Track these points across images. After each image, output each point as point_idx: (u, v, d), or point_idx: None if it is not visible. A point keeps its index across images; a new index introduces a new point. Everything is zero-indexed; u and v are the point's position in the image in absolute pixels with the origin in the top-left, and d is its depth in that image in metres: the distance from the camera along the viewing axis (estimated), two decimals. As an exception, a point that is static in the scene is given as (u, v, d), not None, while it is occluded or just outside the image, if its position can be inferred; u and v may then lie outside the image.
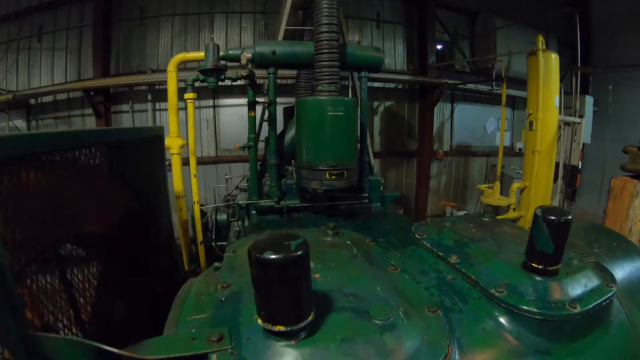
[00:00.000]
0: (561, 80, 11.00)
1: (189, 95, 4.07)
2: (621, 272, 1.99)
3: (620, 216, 4.71)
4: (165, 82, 6.70)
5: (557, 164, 7.96)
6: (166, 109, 9.58)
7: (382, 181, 5.18)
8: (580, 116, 8.59)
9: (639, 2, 10.75)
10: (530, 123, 7.17)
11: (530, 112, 7.19)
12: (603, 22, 12.63)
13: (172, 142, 4.10)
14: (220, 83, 3.91)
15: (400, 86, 10.90)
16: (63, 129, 6.57)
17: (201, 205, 4.65)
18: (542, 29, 11.81)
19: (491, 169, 11.98)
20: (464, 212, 10.20)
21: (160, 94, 9.54)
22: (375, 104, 10.65)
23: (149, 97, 9.62)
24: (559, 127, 8.02)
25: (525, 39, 10.64)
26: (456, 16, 11.49)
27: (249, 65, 3.91)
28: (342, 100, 3.79)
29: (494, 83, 10.39)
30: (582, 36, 13.23)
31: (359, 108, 4.13)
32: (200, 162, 9.58)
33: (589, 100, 9.01)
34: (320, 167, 3.74)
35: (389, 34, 10.55)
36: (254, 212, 4.49)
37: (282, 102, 5.48)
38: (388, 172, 11.26)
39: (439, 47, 11.19)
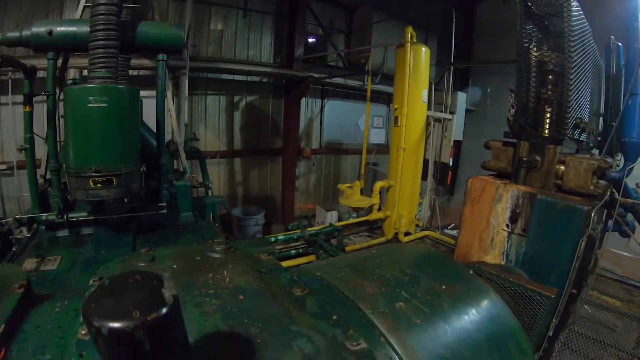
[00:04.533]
0: (439, 81, 11.12)
1: None
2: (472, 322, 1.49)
3: (480, 224, 3.88)
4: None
5: (427, 161, 7.69)
6: (7, 104, 8.19)
7: (210, 185, 4.39)
8: (452, 112, 8.43)
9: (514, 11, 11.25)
10: (396, 118, 6.77)
11: (396, 107, 6.79)
12: (485, 28, 13.27)
13: None
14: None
15: (265, 80, 10.18)
16: None
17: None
18: (424, 27, 11.91)
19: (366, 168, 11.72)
20: (335, 211, 9.76)
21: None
22: (237, 98, 9.84)
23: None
24: (430, 124, 7.77)
25: (404, 36, 10.55)
26: (333, 10, 11.04)
27: None
28: (107, 88, 3.06)
29: (365, 78, 10.08)
30: (465, 40, 13.78)
31: (137, 99, 3.35)
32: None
33: (461, 96, 8.92)
34: (83, 174, 3.02)
35: (256, 25, 9.74)
36: (43, 227, 3.71)
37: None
38: (251, 172, 10.58)
39: (311, 40, 10.63)
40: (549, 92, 3.50)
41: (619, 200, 4.68)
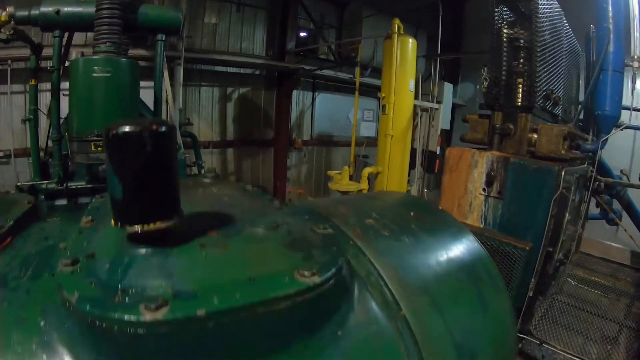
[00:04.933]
0: (428, 76, 11.34)
1: None
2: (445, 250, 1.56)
3: (458, 190, 4.14)
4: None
5: (415, 150, 7.89)
6: (5, 93, 8.31)
7: (203, 164, 4.61)
8: (439, 102, 8.65)
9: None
10: (383, 107, 6.98)
11: (383, 95, 7.00)
12: (474, 24, 13.48)
13: None
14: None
15: (257, 72, 10.41)
16: None
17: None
18: (414, 23, 12.16)
19: (356, 159, 11.94)
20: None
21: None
22: (229, 89, 10.03)
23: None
24: (417, 114, 7.98)
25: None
26: (325, 5, 11.29)
27: (12, 23, 3.36)
28: (111, 60, 3.33)
29: (355, 70, 10.30)
30: (455, 36, 14.01)
31: (137, 72, 3.59)
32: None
33: (448, 87, 9.15)
34: (85, 138, 3.26)
35: (249, 18, 9.93)
36: (42, 197, 3.82)
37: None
38: (243, 162, 10.77)
39: (302, 34, 10.87)
40: (520, 65, 3.75)
41: (602, 181, 4.94)
